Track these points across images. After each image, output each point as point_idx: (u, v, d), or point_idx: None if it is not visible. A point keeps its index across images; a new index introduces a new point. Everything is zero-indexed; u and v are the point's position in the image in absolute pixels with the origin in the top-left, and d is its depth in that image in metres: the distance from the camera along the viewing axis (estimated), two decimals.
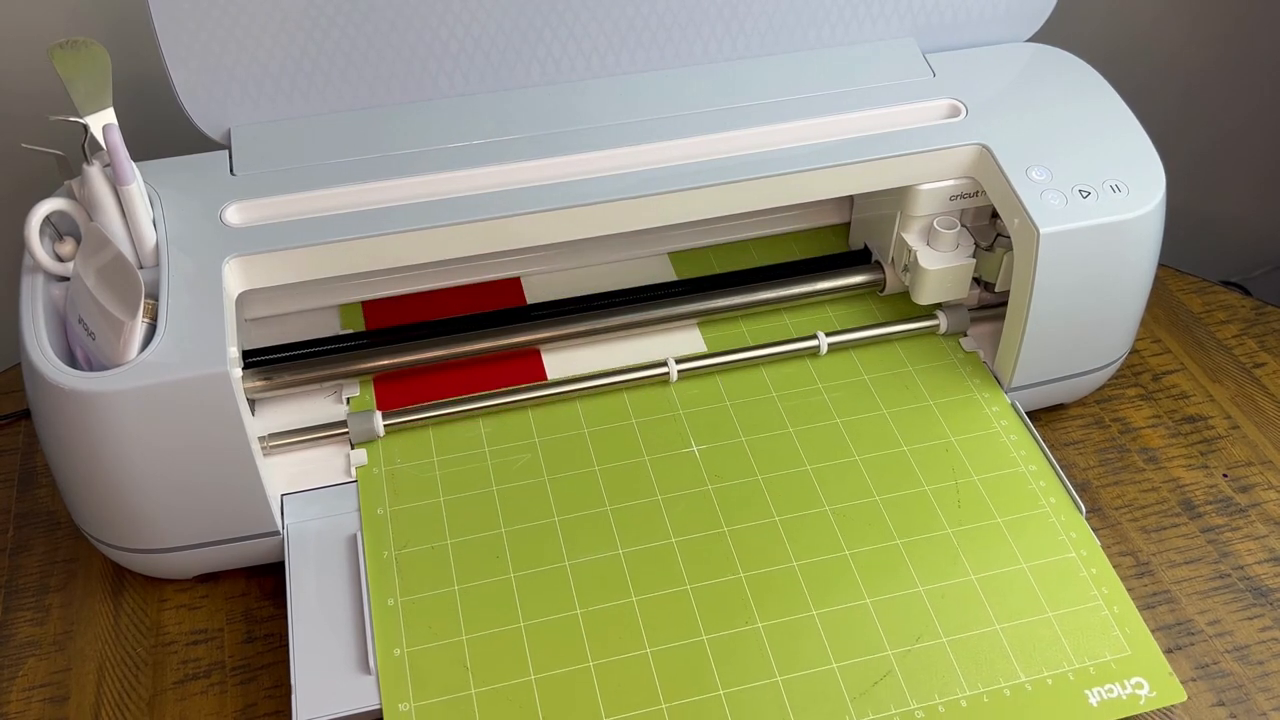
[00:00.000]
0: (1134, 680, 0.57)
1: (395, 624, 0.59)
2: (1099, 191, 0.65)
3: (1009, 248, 0.68)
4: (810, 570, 0.61)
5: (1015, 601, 0.60)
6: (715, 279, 0.75)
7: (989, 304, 0.73)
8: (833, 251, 0.78)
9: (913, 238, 0.71)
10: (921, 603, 0.60)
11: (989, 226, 0.71)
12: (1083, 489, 0.69)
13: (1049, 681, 0.57)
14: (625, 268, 0.77)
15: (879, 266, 0.75)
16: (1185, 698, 0.57)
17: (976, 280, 0.72)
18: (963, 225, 0.71)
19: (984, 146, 0.67)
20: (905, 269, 0.72)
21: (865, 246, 0.77)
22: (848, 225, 0.80)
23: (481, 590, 0.60)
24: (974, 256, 0.70)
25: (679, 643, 0.58)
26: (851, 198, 0.78)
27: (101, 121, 0.59)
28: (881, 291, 0.75)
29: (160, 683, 0.62)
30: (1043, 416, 0.74)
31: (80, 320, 0.59)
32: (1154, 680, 0.57)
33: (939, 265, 0.70)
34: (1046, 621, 0.59)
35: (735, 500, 0.64)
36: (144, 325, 0.58)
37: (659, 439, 0.67)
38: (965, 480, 0.65)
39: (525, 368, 0.71)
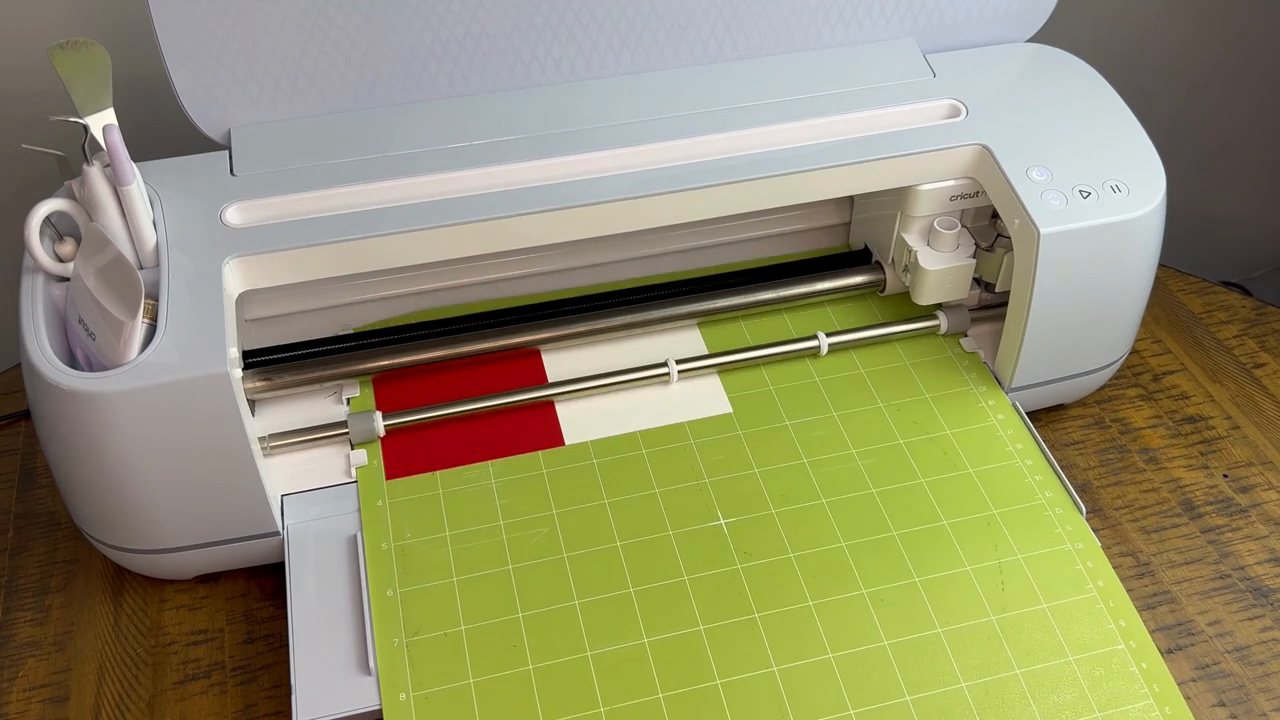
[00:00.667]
0: None
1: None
2: (1099, 192, 0.65)
3: (1009, 248, 0.68)
4: (846, 662, 0.57)
5: (1061, 696, 0.56)
6: (715, 279, 0.75)
7: (989, 304, 0.73)
8: (833, 251, 0.78)
9: (913, 238, 0.71)
10: (955, 683, 0.57)
11: (989, 227, 0.71)
12: (1083, 489, 0.69)
13: None
14: (627, 268, 0.77)
15: (879, 266, 0.75)
16: None
17: (977, 280, 0.72)
18: (963, 225, 0.71)
19: (984, 147, 0.67)
20: (905, 269, 0.72)
21: (865, 247, 0.77)
22: (848, 225, 0.80)
23: (498, 684, 0.57)
24: (974, 257, 0.70)
25: None
26: (851, 198, 0.78)
27: (101, 122, 0.59)
28: (882, 292, 0.75)
29: (160, 683, 0.62)
30: (1043, 417, 0.74)
31: (80, 321, 0.59)
32: None
33: (939, 265, 0.70)
34: None
35: (764, 579, 0.60)
36: (144, 326, 0.58)
37: (684, 511, 0.63)
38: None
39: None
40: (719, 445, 0.67)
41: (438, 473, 0.65)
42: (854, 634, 0.58)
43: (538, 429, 0.68)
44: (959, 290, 0.71)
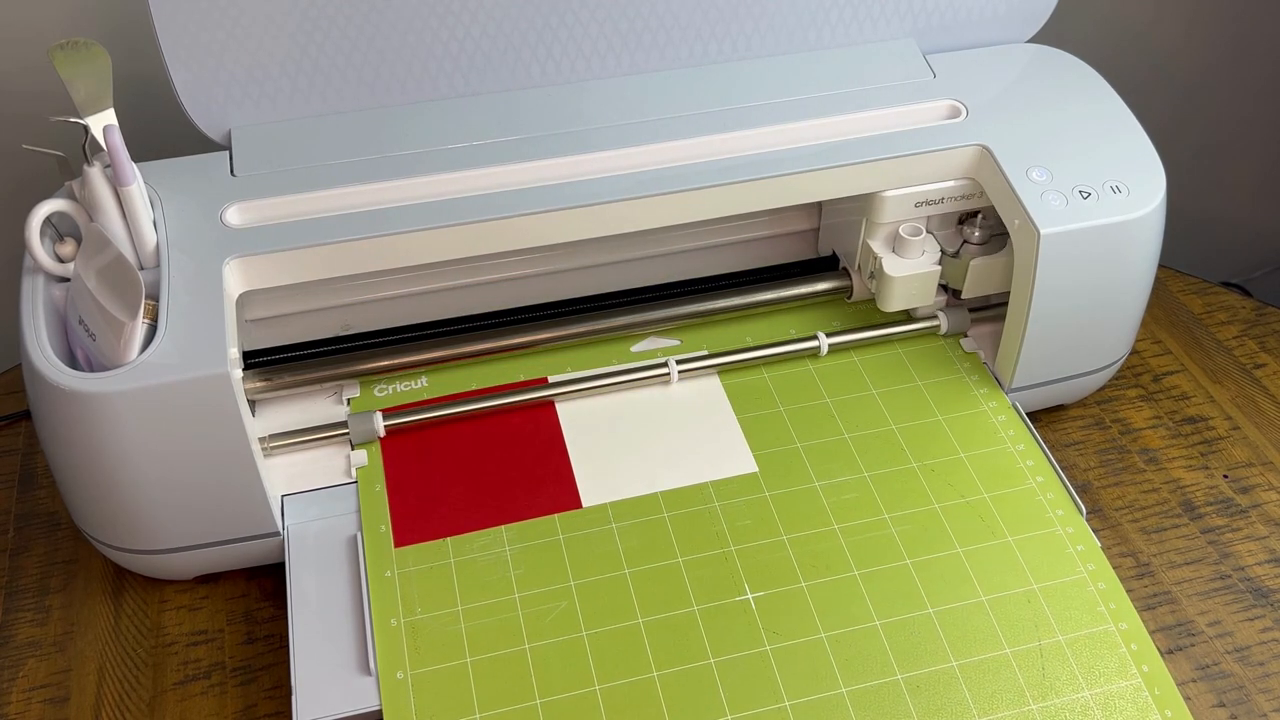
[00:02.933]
0: None
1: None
2: (1099, 192, 0.65)
3: (975, 255, 0.68)
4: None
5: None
6: (715, 279, 0.75)
7: (990, 304, 0.73)
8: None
9: (878, 244, 0.70)
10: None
11: (955, 234, 0.70)
12: (1083, 490, 0.69)
13: None
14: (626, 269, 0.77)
15: (846, 273, 0.74)
16: None
17: (944, 287, 0.71)
18: (929, 232, 0.70)
19: (984, 147, 0.67)
20: (871, 276, 0.71)
21: (833, 253, 0.76)
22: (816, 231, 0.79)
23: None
24: (939, 264, 0.69)
25: None
26: (819, 204, 0.77)
27: (102, 122, 0.59)
28: (849, 298, 0.74)
29: (160, 683, 0.62)
30: (1043, 417, 0.74)
31: (81, 321, 0.59)
32: None
33: (904, 272, 0.69)
34: None
35: (794, 660, 0.57)
36: (144, 326, 0.58)
37: (709, 583, 0.60)
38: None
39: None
40: (744, 508, 0.64)
41: (449, 539, 0.63)
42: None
43: (554, 489, 0.65)
44: (925, 297, 0.70)
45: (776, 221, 0.78)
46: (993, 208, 0.68)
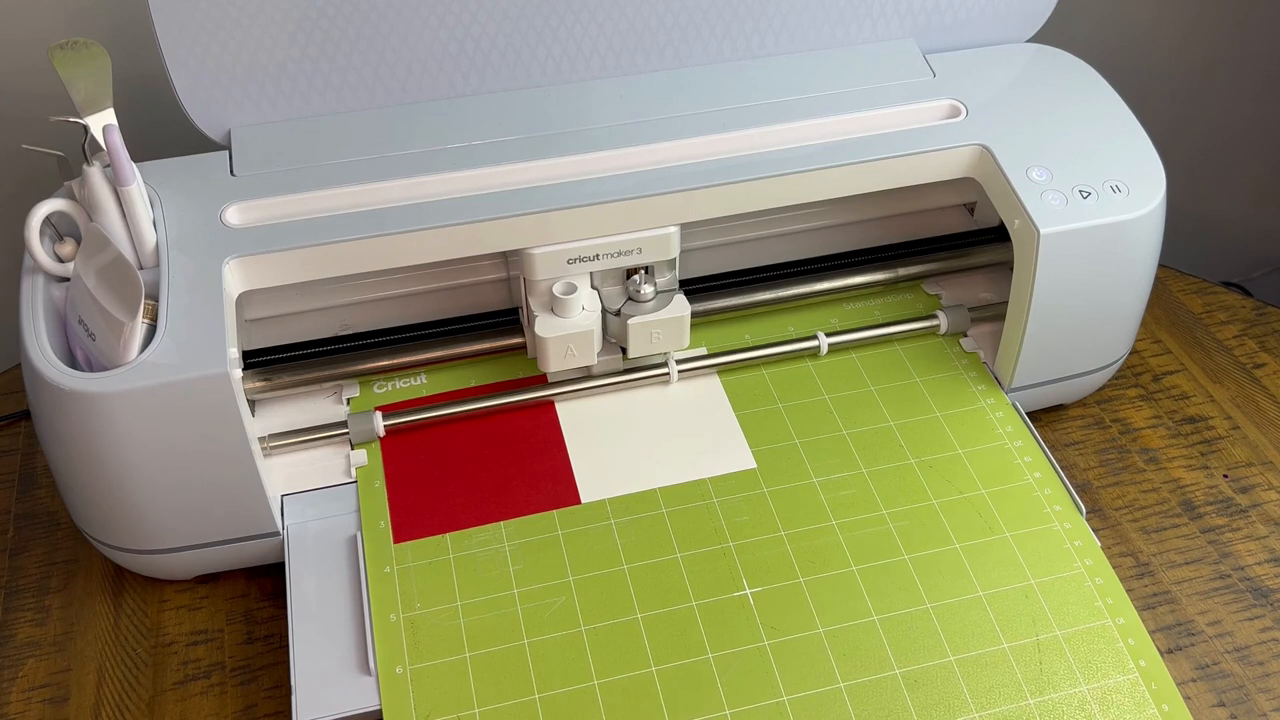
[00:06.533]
0: None
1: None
2: (1099, 192, 0.65)
3: (636, 313, 0.66)
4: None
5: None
6: (715, 278, 0.75)
7: (990, 304, 0.73)
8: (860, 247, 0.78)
9: (536, 302, 0.67)
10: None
11: (621, 290, 0.68)
12: (1083, 490, 0.69)
13: None
14: None
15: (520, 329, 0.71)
16: None
17: (617, 344, 0.69)
18: (594, 287, 0.67)
19: (984, 147, 0.67)
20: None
21: (516, 307, 0.73)
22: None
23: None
24: (602, 322, 0.67)
25: None
26: (506, 256, 0.72)
27: (102, 122, 0.59)
28: (528, 354, 0.71)
29: (160, 683, 0.62)
30: (1043, 417, 0.74)
31: (80, 321, 0.59)
32: None
33: (555, 333, 0.65)
34: None
35: (792, 655, 0.57)
36: (144, 326, 0.58)
37: (708, 579, 0.60)
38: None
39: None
40: (742, 504, 0.64)
41: (448, 535, 0.63)
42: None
43: (552, 486, 0.65)
44: (585, 356, 0.67)
45: (471, 270, 0.73)
46: (665, 263, 0.66)
